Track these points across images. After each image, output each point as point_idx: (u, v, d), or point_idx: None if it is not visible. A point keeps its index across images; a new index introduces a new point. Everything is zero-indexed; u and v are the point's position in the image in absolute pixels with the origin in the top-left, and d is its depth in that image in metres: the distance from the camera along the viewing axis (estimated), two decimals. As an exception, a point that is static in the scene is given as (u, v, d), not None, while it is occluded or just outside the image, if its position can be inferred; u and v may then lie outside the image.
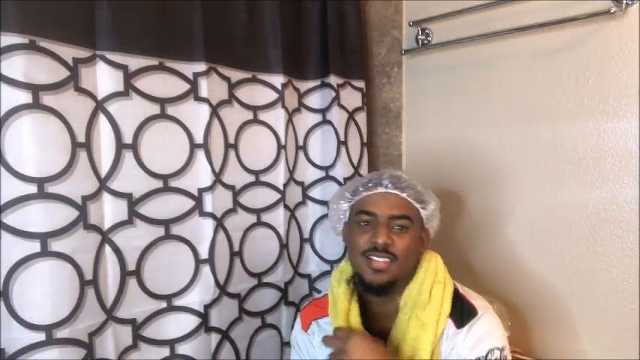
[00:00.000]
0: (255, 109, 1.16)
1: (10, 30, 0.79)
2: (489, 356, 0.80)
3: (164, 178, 1.01)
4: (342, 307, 0.89)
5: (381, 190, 0.88)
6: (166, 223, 1.01)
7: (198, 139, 1.05)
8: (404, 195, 0.87)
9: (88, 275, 0.90)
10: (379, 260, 0.84)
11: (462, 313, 0.85)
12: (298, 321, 0.99)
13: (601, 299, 1.04)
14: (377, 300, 0.89)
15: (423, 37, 1.29)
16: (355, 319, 0.88)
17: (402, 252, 0.84)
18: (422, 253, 0.92)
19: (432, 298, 0.85)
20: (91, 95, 0.91)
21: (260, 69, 1.16)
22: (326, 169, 1.29)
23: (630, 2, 0.94)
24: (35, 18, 0.82)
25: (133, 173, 0.96)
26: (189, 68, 1.03)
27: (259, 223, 1.18)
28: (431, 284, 0.87)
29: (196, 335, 1.05)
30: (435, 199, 0.92)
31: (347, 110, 1.30)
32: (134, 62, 0.96)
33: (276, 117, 1.18)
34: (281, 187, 1.20)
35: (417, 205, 0.88)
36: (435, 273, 0.89)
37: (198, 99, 1.04)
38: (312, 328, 0.96)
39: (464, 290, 0.90)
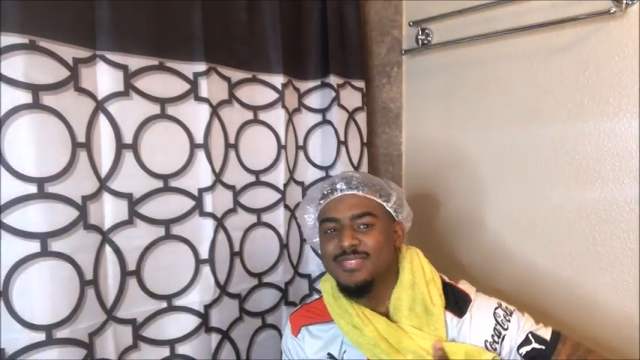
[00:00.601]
0: (255, 109, 1.16)
1: (10, 30, 0.79)
2: (498, 319, 0.83)
3: (164, 178, 1.01)
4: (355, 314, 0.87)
5: (337, 195, 0.88)
6: (167, 223, 1.01)
7: (199, 139, 1.05)
8: (360, 193, 0.87)
9: (88, 275, 0.90)
10: (351, 262, 0.84)
11: (457, 302, 0.86)
12: (289, 326, 0.99)
13: (601, 299, 1.04)
14: (364, 303, 0.88)
15: (423, 37, 1.29)
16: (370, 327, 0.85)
17: (373, 248, 0.84)
18: (398, 247, 0.91)
19: (435, 305, 0.84)
20: (91, 95, 0.91)
21: (260, 69, 1.16)
22: (326, 169, 1.29)
23: (630, 2, 0.94)
24: (35, 18, 0.82)
25: (133, 173, 0.96)
26: (189, 68, 1.03)
27: (259, 223, 1.18)
28: (426, 287, 0.86)
29: (196, 335, 1.05)
30: (396, 190, 0.91)
31: (347, 110, 1.30)
32: (134, 62, 0.96)
33: (277, 117, 1.18)
34: (281, 187, 1.20)
35: (378, 200, 0.88)
36: (423, 272, 0.88)
37: (199, 99, 1.04)
38: (302, 333, 0.95)
39: (448, 279, 0.91)
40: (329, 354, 0.91)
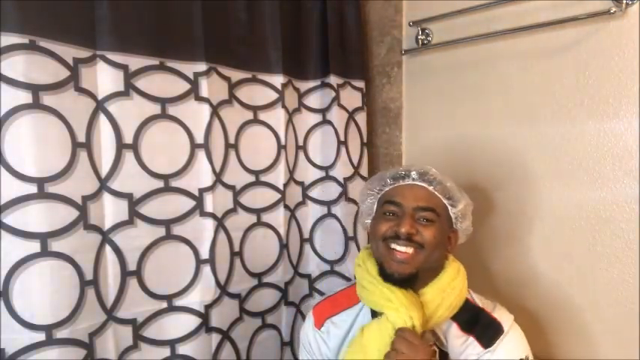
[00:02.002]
0: (255, 109, 1.16)
1: (10, 30, 0.79)
2: None
3: (165, 178, 1.01)
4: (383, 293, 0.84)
5: (407, 181, 0.87)
6: (167, 223, 1.01)
7: (199, 139, 1.05)
8: (431, 188, 0.86)
9: (89, 275, 0.90)
10: (402, 250, 0.82)
11: (485, 330, 0.83)
12: (311, 318, 0.96)
13: (601, 299, 1.04)
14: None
15: (423, 37, 1.29)
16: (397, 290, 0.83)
17: (429, 242, 0.82)
18: (448, 252, 0.89)
19: (453, 290, 0.84)
20: (92, 95, 0.91)
21: (260, 69, 1.16)
22: (326, 169, 1.29)
23: (630, 2, 0.94)
24: (35, 18, 0.82)
25: (133, 173, 0.96)
26: (189, 68, 1.03)
27: (259, 223, 1.18)
28: (445, 310, 0.83)
29: (197, 335, 1.05)
30: (466, 199, 0.90)
31: (347, 110, 1.30)
32: (134, 62, 0.96)
33: (276, 117, 1.18)
34: (281, 187, 1.20)
35: (445, 201, 0.87)
36: (456, 294, 0.85)
37: (199, 99, 1.04)
38: (327, 326, 0.93)
39: (481, 301, 0.88)
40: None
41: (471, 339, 0.83)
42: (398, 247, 0.82)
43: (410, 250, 0.82)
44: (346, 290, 0.96)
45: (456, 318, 0.85)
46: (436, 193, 0.86)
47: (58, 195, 0.85)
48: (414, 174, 0.88)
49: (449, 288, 0.84)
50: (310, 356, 0.95)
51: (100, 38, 0.92)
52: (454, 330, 0.85)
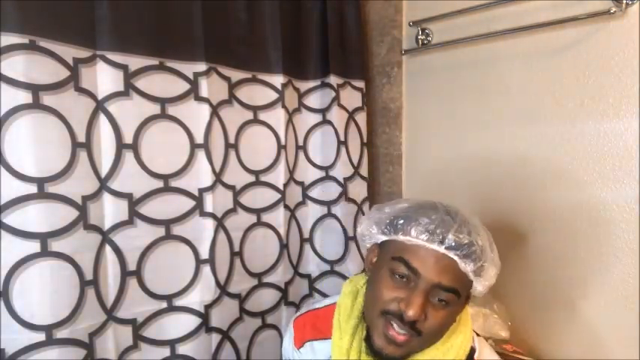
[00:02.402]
0: (255, 109, 1.16)
1: (10, 30, 0.79)
2: None
3: (164, 178, 1.01)
4: (345, 344, 0.76)
5: (435, 247, 0.67)
6: (167, 223, 1.01)
7: (199, 139, 1.05)
8: (465, 267, 0.68)
9: (89, 275, 0.90)
10: (399, 332, 0.68)
11: None
12: (291, 332, 0.87)
13: (601, 299, 1.04)
14: None
15: (423, 37, 1.29)
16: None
17: (432, 330, 0.69)
18: (454, 322, 0.75)
19: (451, 348, 0.74)
20: (91, 95, 0.91)
21: (260, 69, 1.16)
22: (326, 169, 1.29)
23: (630, 2, 0.94)
24: (35, 18, 0.82)
25: (133, 173, 0.96)
26: (189, 68, 1.03)
27: (259, 223, 1.18)
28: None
29: (197, 335, 1.05)
30: (496, 265, 0.73)
31: (347, 110, 1.30)
32: (134, 62, 0.96)
33: (276, 117, 1.18)
34: (281, 187, 1.20)
35: (473, 278, 0.70)
36: (455, 354, 0.75)
37: (199, 99, 1.04)
38: (307, 348, 0.83)
39: (478, 351, 0.78)
40: None
41: None
42: (395, 327, 0.69)
43: (407, 334, 0.69)
44: (329, 311, 0.83)
45: None
46: (467, 271, 0.69)
47: (58, 195, 0.85)
48: (448, 240, 0.67)
49: (443, 348, 0.74)
50: None
51: (100, 38, 0.91)
52: None
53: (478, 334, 0.83)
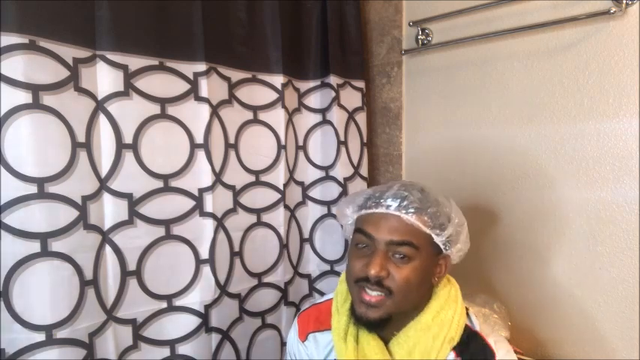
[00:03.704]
0: (255, 109, 1.16)
1: (10, 30, 0.79)
2: None
3: (164, 178, 1.01)
4: (342, 325, 0.80)
5: (381, 210, 0.75)
6: (167, 224, 1.01)
7: (199, 139, 1.05)
8: (407, 217, 0.74)
9: (88, 275, 0.90)
10: (371, 294, 0.73)
11: (475, 352, 0.75)
12: (295, 327, 0.91)
13: (601, 299, 1.04)
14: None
15: (423, 37, 1.29)
16: (350, 347, 0.78)
17: (400, 287, 0.73)
18: (435, 285, 0.79)
19: (443, 325, 0.76)
20: (91, 95, 0.91)
21: (260, 69, 1.16)
22: (326, 169, 1.29)
23: (630, 2, 0.94)
24: (35, 18, 0.82)
25: (133, 173, 0.96)
26: (189, 68, 1.03)
27: (259, 223, 1.18)
28: (440, 344, 0.75)
29: (197, 335, 1.05)
30: (457, 218, 0.78)
31: (347, 110, 1.30)
32: (134, 62, 0.96)
33: (276, 117, 1.18)
34: (281, 187, 1.20)
35: (427, 231, 0.75)
36: (449, 326, 0.76)
37: (199, 99, 1.04)
38: (310, 340, 0.87)
39: (479, 325, 0.79)
40: None
41: (452, 354, 0.75)
42: (367, 290, 0.74)
43: (380, 293, 0.73)
44: (330, 303, 0.87)
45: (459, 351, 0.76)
46: (416, 222, 0.74)
47: (58, 195, 0.85)
48: (388, 200, 0.75)
49: (435, 325, 0.76)
50: None
51: (100, 38, 0.92)
52: (451, 357, 0.76)
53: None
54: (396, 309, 0.74)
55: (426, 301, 0.78)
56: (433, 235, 0.76)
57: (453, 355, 0.75)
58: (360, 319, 0.76)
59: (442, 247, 0.78)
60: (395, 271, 0.73)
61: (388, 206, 0.75)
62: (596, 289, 1.05)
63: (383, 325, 0.76)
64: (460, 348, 0.75)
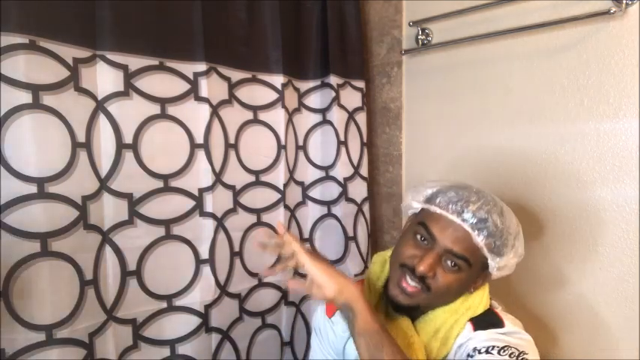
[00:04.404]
0: (255, 109, 1.16)
1: (10, 30, 0.79)
2: (504, 349, 0.72)
3: (164, 178, 1.01)
4: (374, 298, 0.86)
5: (455, 219, 0.76)
6: (167, 223, 1.01)
7: (199, 139, 1.05)
8: (478, 240, 0.75)
9: (88, 275, 0.90)
10: (410, 283, 0.77)
11: (486, 319, 0.80)
12: (323, 305, 0.95)
13: (601, 299, 1.04)
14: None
15: (423, 37, 1.29)
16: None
17: (439, 289, 0.77)
18: (470, 293, 0.83)
19: (452, 340, 0.79)
20: (92, 95, 0.91)
21: (260, 69, 1.16)
22: (326, 169, 1.29)
23: (630, 2, 0.94)
24: (35, 18, 0.82)
25: (133, 173, 0.96)
26: (189, 68, 1.03)
27: (259, 223, 1.18)
28: (462, 325, 0.80)
29: (197, 335, 1.05)
30: (517, 252, 0.80)
31: (347, 110, 1.30)
32: (134, 62, 0.96)
33: (276, 117, 1.18)
34: (281, 187, 1.20)
35: (487, 254, 0.77)
36: (474, 311, 0.81)
37: (199, 99, 1.04)
38: (337, 316, 0.91)
39: (500, 309, 0.84)
40: None
41: (468, 324, 0.80)
42: (408, 278, 0.78)
43: (418, 286, 0.77)
44: (357, 283, 0.91)
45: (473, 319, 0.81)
46: (482, 245, 0.76)
47: (58, 195, 0.85)
48: (467, 215, 0.76)
49: (462, 308, 0.81)
50: (320, 340, 0.96)
51: (100, 38, 0.92)
52: (468, 327, 0.81)
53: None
54: (427, 303, 0.80)
55: (455, 300, 0.82)
56: (489, 259, 0.78)
57: (469, 325, 0.80)
58: (391, 298, 0.81)
59: (490, 269, 0.80)
60: (441, 274, 0.76)
61: (464, 220, 0.76)
62: (596, 289, 1.05)
63: (411, 310, 0.82)
64: (476, 319, 0.81)
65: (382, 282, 0.88)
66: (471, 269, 0.77)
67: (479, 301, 0.82)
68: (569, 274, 1.08)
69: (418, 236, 0.79)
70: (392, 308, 0.84)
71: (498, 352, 0.71)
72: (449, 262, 0.76)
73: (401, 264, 0.79)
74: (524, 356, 0.71)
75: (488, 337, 0.76)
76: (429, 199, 0.81)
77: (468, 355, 0.74)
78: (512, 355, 0.71)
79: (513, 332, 0.77)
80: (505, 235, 0.77)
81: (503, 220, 0.78)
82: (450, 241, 0.76)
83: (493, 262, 0.78)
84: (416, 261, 0.77)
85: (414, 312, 0.83)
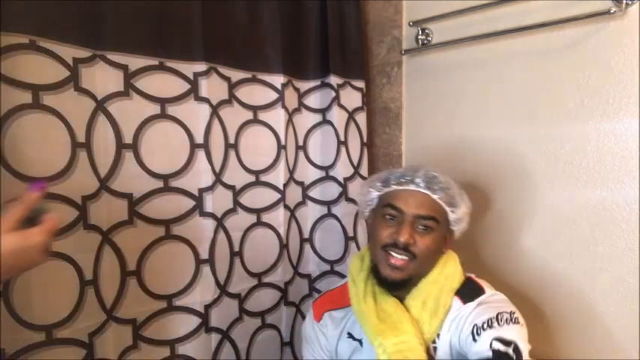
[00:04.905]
0: (255, 109, 1.16)
1: (10, 30, 0.79)
2: (499, 317, 0.80)
3: (164, 178, 1.01)
4: (361, 290, 0.91)
5: (412, 187, 0.88)
6: (167, 223, 1.01)
7: (199, 139, 1.05)
8: (435, 197, 0.87)
9: (88, 275, 0.90)
10: (397, 257, 0.85)
11: (469, 291, 0.88)
12: (310, 313, 1.01)
13: (601, 299, 1.04)
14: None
15: (423, 37, 1.29)
16: (370, 305, 0.89)
17: (423, 252, 0.86)
18: (443, 253, 0.92)
19: (442, 309, 0.86)
20: (91, 95, 0.91)
21: (260, 69, 1.16)
22: (326, 169, 1.29)
23: (630, 2, 0.94)
24: (35, 18, 0.82)
25: (133, 173, 0.96)
26: (189, 68, 1.03)
27: (259, 223, 1.18)
28: (446, 293, 0.88)
29: (197, 335, 1.05)
30: (466, 203, 0.92)
31: (347, 110, 1.30)
32: (134, 62, 0.96)
33: (276, 117, 1.18)
34: (281, 187, 1.20)
35: (447, 208, 0.89)
36: (452, 278, 0.90)
37: (199, 99, 1.04)
38: (325, 319, 0.97)
39: (477, 279, 0.92)
40: (349, 333, 0.94)
41: (457, 300, 0.87)
42: (394, 254, 0.86)
43: (405, 257, 0.86)
44: (342, 288, 0.98)
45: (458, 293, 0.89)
46: (439, 201, 0.88)
47: (58, 195, 0.85)
48: (419, 180, 0.88)
49: (441, 277, 0.89)
50: (312, 348, 1.00)
51: (100, 38, 0.91)
52: (456, 301, 0.88)
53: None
54: (416, 272, 0.87)
55: (434, 265, 0.91)
56: (449, 212, 0.89)
57: (457, 299, 0.88)
58: (384, 281, 0.88)
59: (451, 223, 0.91)
60: (419, 239, 0.86)
61: (419, 184, 0.87)
62: (596, 289, 1.05)
63: (403, 286, 0.88)
64: (461, 292, 0.89)
65: (365, 272, 0.93)
66: (440, 226, 0.88)
67: (454, 269, 0.91)
68: (569, 275, 1.08)
69: (387, 217, 0.88)
70: (381, 292, 0.90)
71: (498, 323, 0.79)
72: (421, 227, 0.86)
73: (382, 246, 0.87)
74: (514, 315, 0.81)
75: (480, 310, 0.83)
76: (384, 183, 0.92)
77: (473, 335, 0.79)
78: (507, 320, 0.79)
79: (492, 294, 0.87)
80: (453, 187, 0.89)
81: (446, 177, 0.90)
82: (414, 208, 0.86)
83: (453, 215, 0.89)
84: (395, 236, 0.85)
85: (402, 292, 0.90)
